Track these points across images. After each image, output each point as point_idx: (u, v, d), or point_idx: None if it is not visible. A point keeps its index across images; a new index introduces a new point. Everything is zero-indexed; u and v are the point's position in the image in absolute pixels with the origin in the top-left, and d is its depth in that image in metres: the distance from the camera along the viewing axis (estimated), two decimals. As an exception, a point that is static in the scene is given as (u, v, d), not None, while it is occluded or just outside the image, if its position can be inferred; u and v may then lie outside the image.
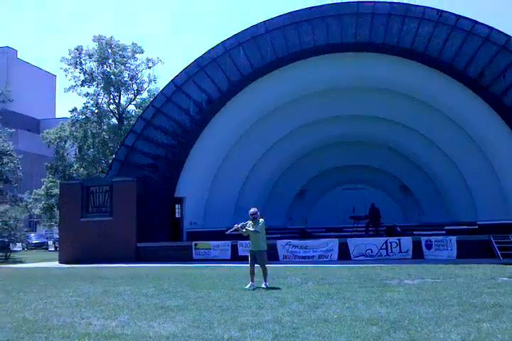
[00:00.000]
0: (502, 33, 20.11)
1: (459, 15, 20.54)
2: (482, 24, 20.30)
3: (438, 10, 20.76)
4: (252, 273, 10.76)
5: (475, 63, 20.20)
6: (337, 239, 19.29)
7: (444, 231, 20.25)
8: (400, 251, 18.28)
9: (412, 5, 21.01)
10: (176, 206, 23.36)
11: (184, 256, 20.36)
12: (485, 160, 21.63)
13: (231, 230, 11.34)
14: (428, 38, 20.52)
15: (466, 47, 20.24)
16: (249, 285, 10.58)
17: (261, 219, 10.98)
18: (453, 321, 6.64)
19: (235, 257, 19.39)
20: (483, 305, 7.81)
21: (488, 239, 18.00)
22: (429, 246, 18.17)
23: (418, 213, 27.72)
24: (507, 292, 9.15)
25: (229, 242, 19.87)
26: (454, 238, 18.20)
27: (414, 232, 20.60)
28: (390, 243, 18.45)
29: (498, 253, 17.39)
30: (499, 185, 21.17)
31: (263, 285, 10.57)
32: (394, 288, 10.17)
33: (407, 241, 18.41)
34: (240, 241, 19.42)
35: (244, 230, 11.02)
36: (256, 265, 10.82)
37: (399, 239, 18.59)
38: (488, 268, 13.64)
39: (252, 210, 11.03)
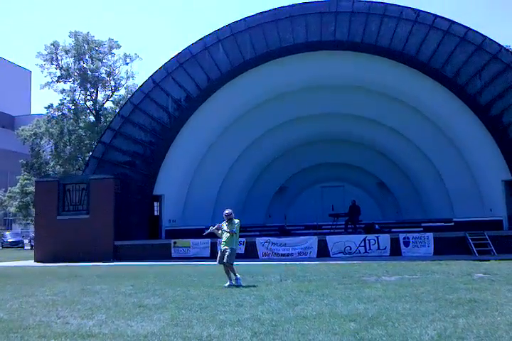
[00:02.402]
0: (478, 33, 20.39)
1: (436, 15, 20.78)
2: (459, 24, 20.57)
3: (416, 9, 20.97)
4: (227, 272, 10.74)
5: (451, 63, 20.45)
6: (316, 237, 19.39)
7: (421, 229, 20.55)
8: (378, 248, 18.48)
9: (390, 4, 21.19)
10: (155, 204, 23.20)
11: (163, 254, 20.23)
12: (461, 158, 21.98)
13: (207, 232, 11.37)
14: (406, 37, 20.71)
15: (443, 47, 20.47)
16: (228, 284, 10.56)
17: (236, 220, 10.93)
18: (429, 317, 6.72)
19: (215, 255, 19.24)
20: (459, 300, 7.92)
21: (464, 235, 18.32)
22: (406, 243, 18.40)
23: (396, 210, 28.04)
24: (482, 288, 9.30)
25: (208, 240, 19.80)
26: (430, 235, 18.47)
27: (392, 229, 20.85)
28: (369, 240, 18.63)
29: (474, 249, 17.71)
30: (475, 183, 21.54)
31: (234, 282, 10.50)
32: (372, 284, 10.26)
33: (385, 239, 18.62)
34: (219, 240, 19.34)
35: (219, 232, 10.97)
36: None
37: (377, 237, 18.78)
38: (464, 265, 13.87)
39: (227, 211, 10.94)
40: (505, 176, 20.11)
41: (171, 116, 22.42)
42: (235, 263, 10.75)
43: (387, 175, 28.59)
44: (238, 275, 10.63)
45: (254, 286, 10.37)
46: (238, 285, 10.37)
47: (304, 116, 25.06)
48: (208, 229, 11.30)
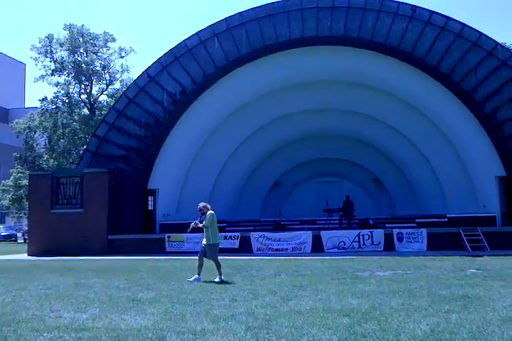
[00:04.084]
0: (474, 29, 20.37)
1: (433, 11, 20.74)
2: (455, 20, 20.54)
3: (412, 5, 20.92)
4: (200, 265, 10.62)
5: (447, 59, 20.43)
6: (310, 232, 19.42)
7: (414, 224, 20.61)
8: (372, 244, 18.53)
9: (386, 0, 21.11)
10: (149, 198, 23.13)
11: (157, 248, 20.21)
12: (456, 154, 22.03)
13: (189, 229, 11.40)
14: (402, 33, 20.65)
15: (439, 43, 20.43)
16: (193, 278, 10.43)
17: (209, 212, 10.77)
18: (422, 312, 6.76)
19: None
20: (452, 296, 7.97)
21: (458, 231, 18.41)
22: (400, 239, 18.47)
23: (390, 206, 28.12)
24: (475, 283, 9.35)
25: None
26: (424, 230, 18.54)
27: (386, 225, 20.91)
28: (363, 235, 18.68)
29: (467, 245, 17.80)
30: (469, 180, 21.61)
31: (217, 279, 10.30)
32: (366, 279, 10.30)
33: (379, 234, 18.68)
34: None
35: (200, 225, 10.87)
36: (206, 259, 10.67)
37: (371, 232, 18.83)
38: (457, 260, 13.95)
39: (199, 206, 10.86)
40: (499, 172, 20.17)
41: (166, 110, 22.33)
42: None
43: (382, 171, 28.66)
44: (222, 277, 10.40)
45: (248, 281, 10.37)
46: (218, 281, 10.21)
47: (299, 112, 25.01)
48: (190, 226, 11.32)
